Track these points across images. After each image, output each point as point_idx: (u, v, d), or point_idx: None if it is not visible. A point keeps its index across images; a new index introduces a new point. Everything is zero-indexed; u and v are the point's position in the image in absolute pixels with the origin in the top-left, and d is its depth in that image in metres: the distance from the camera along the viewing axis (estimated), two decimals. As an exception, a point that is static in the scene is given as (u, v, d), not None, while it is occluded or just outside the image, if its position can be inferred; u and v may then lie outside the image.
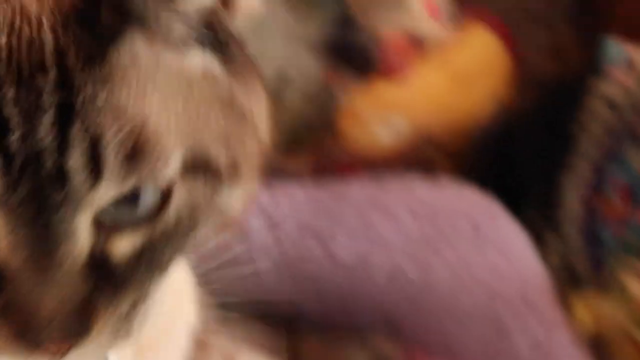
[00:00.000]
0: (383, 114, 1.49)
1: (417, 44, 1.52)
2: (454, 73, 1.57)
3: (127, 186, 0.64)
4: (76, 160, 0.60)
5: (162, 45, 0.67)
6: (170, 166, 0.65)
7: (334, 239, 1.38)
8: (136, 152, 0.63)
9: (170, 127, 0.65)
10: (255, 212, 1.37)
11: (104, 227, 0.66)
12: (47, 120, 0.59)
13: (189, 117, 0.68)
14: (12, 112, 0.59)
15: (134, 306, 0.71)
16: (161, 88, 0.66)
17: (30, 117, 0.59)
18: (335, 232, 1.38)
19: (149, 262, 0.70)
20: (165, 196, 0.67)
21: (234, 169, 0.72)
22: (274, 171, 1.43)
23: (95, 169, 0.61)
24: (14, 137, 0.59)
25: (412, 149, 1.53)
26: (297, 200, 1.41)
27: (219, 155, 0.70)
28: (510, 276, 1.39)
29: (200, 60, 0.70)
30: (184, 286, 0.97)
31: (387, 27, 1.50)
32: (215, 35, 0.72)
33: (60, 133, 0.60)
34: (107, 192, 0.63)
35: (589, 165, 1.47)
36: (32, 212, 0.61)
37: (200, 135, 0.68)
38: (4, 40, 0.60)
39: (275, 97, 1.51)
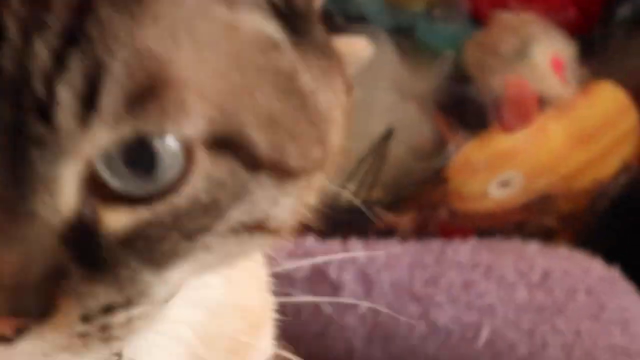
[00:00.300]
0: (497, 170, 1.41)
1: (539, 99, 1.44)
2: (576, 129, 1.48)
3: (127, 131, 0.54)
4: (66, 91, 0.52)
5: None
6: (191, 123, 0.55)
7: (432, 301, 1.31)
8: (148, 94, 0.54)
9: (200, 82, 0.56)
10: (348, 265, 1.32)
11: (99, 191, 0.56)
12: (45, 39, 0.52)
13: (228, 80, 0.58)
14: (9, 22, 0.52)
15: (124, 306, 0.60)
16: (200, 37, 0.57)
17: (26, 31, 0.52)
18: (435, 295, 1.31)
19: (143, 249, 0.59)
20: (185, 171, 0.57)
21: (282, 166, 0.62)
22: (374, 226, 1.37)
23: (90, 103, 0.53)
24: (6, 49, 0.52)
25: (526, 210, 1.44)
26: (395, 258, 1.33)
27: (260, 141, 0.59)
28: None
29: (259, 24, 0.61)
30: (263, 318, 0.88)
31: (507, 81, 1.43)
32: (291, 6, 0.63)
33: (55, 58, 0.52)
34: (102, 135, 0.53)
35: None
36: (9, 146, 0.53)
37: (240, 107, 0.58)
38: None
39: (381, 151, 1.45)
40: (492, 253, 1.33)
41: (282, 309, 1.28)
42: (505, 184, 1.41)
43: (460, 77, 1.51)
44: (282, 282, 1.26)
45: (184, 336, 0.76)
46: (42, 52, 0.51)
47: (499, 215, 1.43)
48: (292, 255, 1.23)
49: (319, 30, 0.66)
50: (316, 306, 1.30)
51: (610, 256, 1.37)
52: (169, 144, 0.55)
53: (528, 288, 1.30)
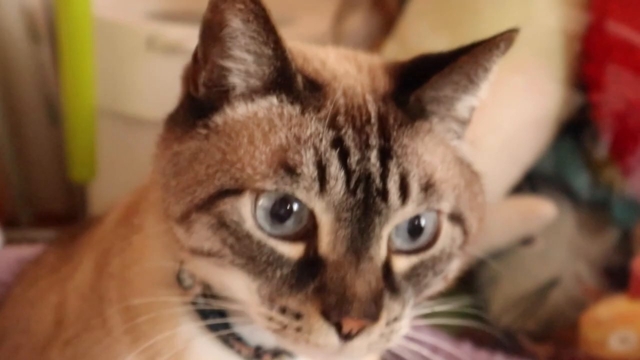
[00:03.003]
0: (619, 327, 1.63)
1: None
2: None
3: (421, 210, 0.91)
4: (393, 184, 0.89)
5: (445, 130, 0.98)
6: (445, 205, 0.93)
7: None
8: (428, 187, 0.91)
9: (446, 180, 0.94)
10: None
11: (390, 249, 0.92)
12: (373, 154, 0.89)
13: (456, 181, 0.96)
14: (350, 144, 0.89)
15: (399, 319, 0.92)
16: (441, 156, 0.95)
17: (362, 150, 0.89)
18: None
19: (414, 282, 0.94)
20: (436, 234, 0.94)
21: (469, 240, 0.98)
22: (518, 347, 1.66)
23: (403, 193, 0.90)
24: (352, 160, 0.89)
25: None
26: None
27: (472, 220, 0.97)
28: None
29: (459, 147, 1.00)
30: None
31: (636, 261, 1.67)
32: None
33: (382, 165, 0.89)
34: (408, 211, 0.90)
35: None
36: (357, 216, 0.88)
37: (462, 199, 0.96)
38: (342, 101, 0.93)
39: (543, 294, 1.74)
40: None
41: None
42: (623, 340, 1.62)
43: (625, 248, 1.77)
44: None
45: None
46: (375, 162, 0.90)
47: None
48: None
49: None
50: None
51: None
52: (431, 217, 0.93)
53: None
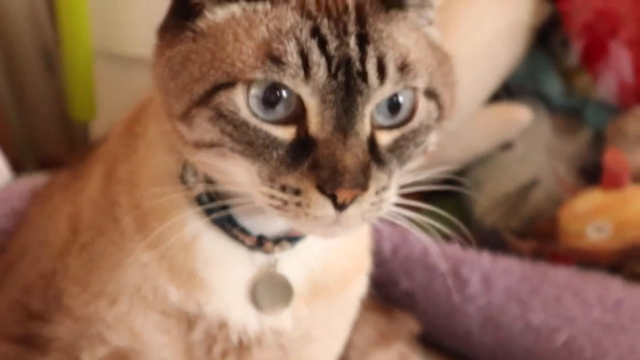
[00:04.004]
0: (595, 218, 1.74)
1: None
2: None
3: (398, 88, 0.99)
4: (372, 66, 0.97)
5: (417, 17, 1.05)
6: (420, 82, 1.01)
7: (530, 306, 1.66)
8: (403, 67, 0.99)
9: (420, 61, 1.02)
10: (475, 269, 1.70)
11: (373, 125, 1.00)
12: (352, 40, 0.97)
13: (429, 61, 1.04)
14: (327, 32, 0.97)
15: (386, 189, 1.00)
16: (415, 39, 1.03)
17: (340, 37, 0.97)
18: (532, 301, 1.67)
19: (397, 154, 1.02)
20: (414, 109, 1.02)
21: (445, 114, 1.07)
22: (504, 246, 1.76)
23: (381, 74, 0.98)
24: (331, 47, 0.96)
25: (618, 254, 1.74)
26: (511, 270, 1.71)
27: (445, 96, 1.06)
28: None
29: (431, 33, 1.08)
30: (363, 263, 1.29)
31: (607, 153, 1.79)
32: None
33: (360, 49, 0.97)
34: (387, 90, 0.98)
35: None
36: (341, 97, 0.96)
37: (434, 74, 1.04)
38: None
39: (524, 194, 1.85)
40: (582, 279, 1.67)
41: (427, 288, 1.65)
42: (599, 230, 1.74)
43: (598, 148, 1.88)
44: (435, 275, 1.68)
45: (309, 262, 1.19)
46: (354, 47, 0.98)
47: (595, 254, 1.75)
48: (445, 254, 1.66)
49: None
50: (448, 293, 1.69)
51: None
52: (408, 94, 1.01)
53: (602, 309, 1.63)
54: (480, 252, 1.73)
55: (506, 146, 1.92)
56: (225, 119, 0.98)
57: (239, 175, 1.01)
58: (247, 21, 0.99)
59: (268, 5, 1.00)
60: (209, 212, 1.11)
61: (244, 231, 1.13)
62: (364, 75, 0.97)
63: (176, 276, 1.14)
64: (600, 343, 1.62)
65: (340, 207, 0.96)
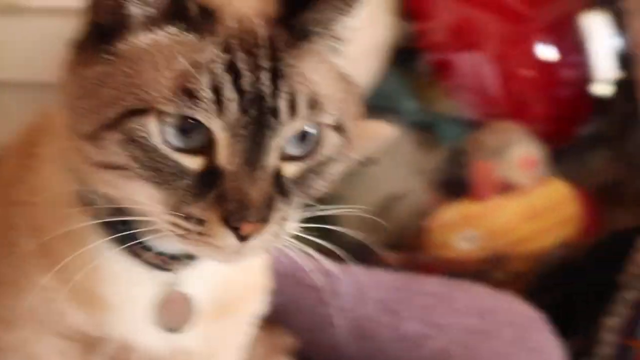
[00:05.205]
0: (464, 227, 1.82)
1: (504, 184, 1.86)
2: (528, 207, 1.86)
3: (308, 124, 0.99)
4: (283, 103, 0.96)
5: (325, 48, 1.05)
6: (328, 118, 1.01)
7: (401, 315, 1.70)
8: (313, 104, 0.99)
9: (329, 96, 1.01)
10: (346, 282, 1.67)
11: (281, 156, 0.99)
12: (264, 75, 0.96)
13: (338, 96, 1.04)
14: (242, 67, 0.96)
15: (280, 224, 1.00)
16: (324, 73, 1.03)
17: (254, 71, 0.96)
18: (403, 311, 1.70)
19: (302, 185, 1.02)
20: (321, 143, 1.02)
21: (351, 145, 1.07)
22: (374, 259, 1.79)
23: (292, 111, 0.97)
24: (245, 81, 0.95)
25: (484, 263, 1.82)
26: (383, 281, 1.74)
27: (352, 127, 1.06)
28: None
29: (337, 63, 1.08)
30: (262, 281, 1.31)
31: (477, 165, 1.86)
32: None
33: (272, 84, 0.96)
34: (297, 125, 0.98)
35: (628, 311, 1.71)
36: (251, 131, 0.95)
37: (343, 109, 1.04)
38: (234, 25, 0.98)
39: (387, 210, 1.89)
40: (449, 287, 1.73)
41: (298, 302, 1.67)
42: (468, 240, 1.81)
43: (457, 162, 1.95)
44: (306, 288, 1.68)
45: (211, 280, 1.19)
46: (266, 82, 0.96)
47: (463, 263, 1.82)
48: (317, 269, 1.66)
49: None
50: (319, 307, 1.69)
51: (546, 308, 1.72)
52: (314, 128, 1.01)
53: (471, 316, 1.68)
54: (350, 265, 1.74)
55: (370, 162, 1.96)
56: (135, 144, 0.96)
57: (143, 199, 0.99)
58: (168, 50, 0.97)
59: (194, 37, 0.98)
60: (109, 229, 1.08)
61: (146, 248, 1.11)
62: (274, 111, 0.97)
63: (77, 297, 1.11)
64: (470, 349, 1.66)
65: (242, 238, 0.97)
